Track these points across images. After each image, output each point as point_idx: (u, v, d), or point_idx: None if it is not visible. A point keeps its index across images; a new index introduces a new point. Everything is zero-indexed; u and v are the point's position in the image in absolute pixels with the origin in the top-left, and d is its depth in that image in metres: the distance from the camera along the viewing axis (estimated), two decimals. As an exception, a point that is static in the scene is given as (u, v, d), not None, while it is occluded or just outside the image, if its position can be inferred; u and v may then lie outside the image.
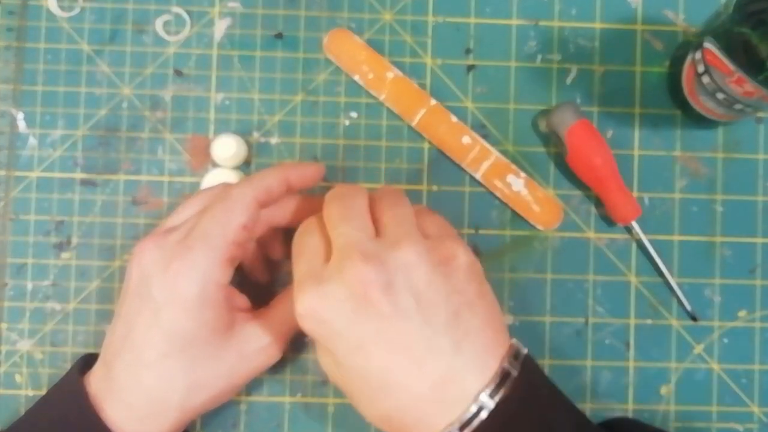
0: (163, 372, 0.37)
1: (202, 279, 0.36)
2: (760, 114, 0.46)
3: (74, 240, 0.44)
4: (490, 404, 0.33)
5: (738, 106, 0.41)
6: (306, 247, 0.37)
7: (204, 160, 0.45)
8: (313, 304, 0.34)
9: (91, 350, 0.43)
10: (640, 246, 0.45)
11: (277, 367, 0.44)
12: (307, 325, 0.35)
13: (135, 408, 0.37)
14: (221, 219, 0.37)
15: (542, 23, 0.46)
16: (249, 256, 0.42)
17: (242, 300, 0.41)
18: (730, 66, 0.39)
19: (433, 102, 0.45)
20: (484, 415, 0.33)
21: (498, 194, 0.45)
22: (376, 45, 0.45)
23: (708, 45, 0.40)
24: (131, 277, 0.38)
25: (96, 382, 0.38)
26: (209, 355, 0.37)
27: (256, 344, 0.39)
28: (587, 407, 0.44)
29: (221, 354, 0.38)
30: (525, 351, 0.36)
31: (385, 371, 0.34)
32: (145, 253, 0.37)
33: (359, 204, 0.37)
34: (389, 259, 0.34)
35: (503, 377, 0.34)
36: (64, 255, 0.44)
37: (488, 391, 0.33)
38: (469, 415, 0.33)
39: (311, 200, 0.41)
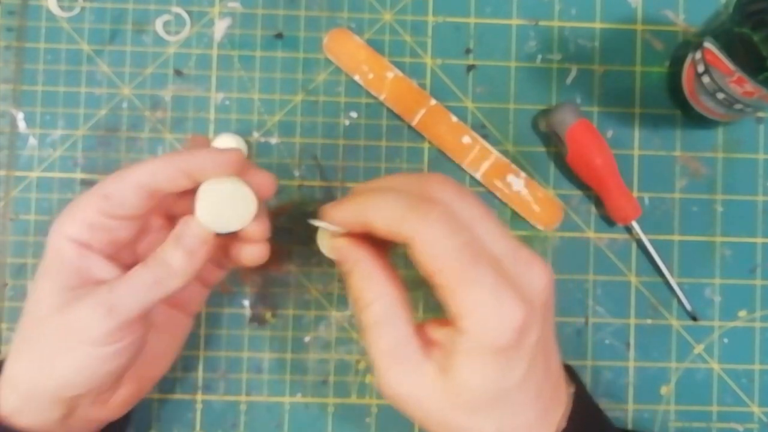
0: None
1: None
2: (760, 114, 0.46)
3: (74, 240, 0.44)
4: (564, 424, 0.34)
5: (738, 106, 0.41)
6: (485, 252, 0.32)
7: (204, 160, 0.45)
8: (523, 315, 0.31)
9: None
10: (640, 246, 0.45)
11: (277, 367, 0.44)
12: (510, 337, 0.31)
13: None
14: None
15: (542, 23, 0.46)
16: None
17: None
18: (730, 66, 0.39)
19: (433, 102, 0.45)
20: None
21: (498, 194, 0.45)
22: (376, 45, 0.45)
23: (708, 45, 0.40)
24: None
25: None
26: None
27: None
28: (587, 407, 0.44)
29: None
30: None
31: (544, 376, 0.34)
32: None
33: None
34: None
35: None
36: (64, 255, 0.44)
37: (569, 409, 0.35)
38: (561, 429, 0.34)
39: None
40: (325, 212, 0.35)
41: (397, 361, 0.33)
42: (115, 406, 0.37)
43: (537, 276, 0.33)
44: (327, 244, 0.37)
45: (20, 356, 0.35)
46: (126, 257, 0.36)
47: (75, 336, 0.33)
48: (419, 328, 0.33)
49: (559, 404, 0.35)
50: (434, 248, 0.30)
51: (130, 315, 0.33)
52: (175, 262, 0.34)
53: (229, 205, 0.35)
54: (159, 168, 0.34)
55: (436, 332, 0.33)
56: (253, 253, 0.37)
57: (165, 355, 0.39)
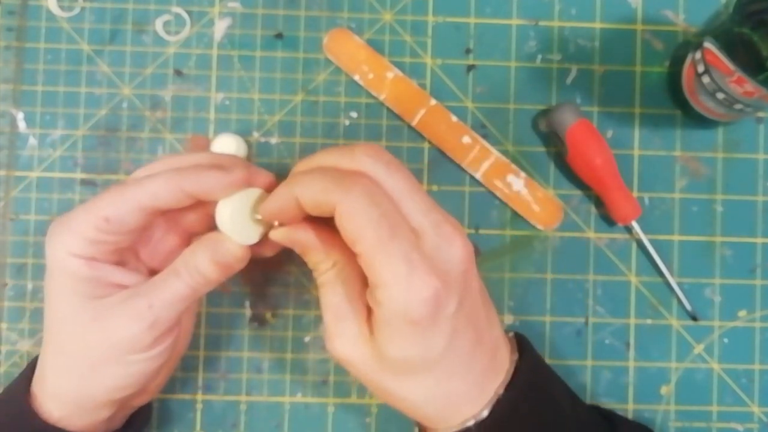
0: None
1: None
2: (760, 114, 0.46)
3: (74, 240, 0.44)
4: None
5: (738, 106, 0.41)
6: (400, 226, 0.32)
7: (204, 160, 0.45)
8: (434, 288, 0.32)
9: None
10: (640, 246, 0.45)
11: (277, 367, 0.44)
12: (421, 311, 0.32)
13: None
14: None
15: (542, 23, 0.46)
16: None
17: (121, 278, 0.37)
18: (730, 66, 0.39)
19: (433, 102, 0.45)
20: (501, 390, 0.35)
21: (498, 194, 0.45)
22: (376, 45, 0.45)
23: (708, 45, 0.40)
24: None
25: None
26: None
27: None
28: (587, 407, 0.44)
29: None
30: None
31: (474, 346, 0.34)
32: None
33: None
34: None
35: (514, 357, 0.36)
36: (64, 255, 0.44)
37: (511, 369, 0.35)
38: (498, 395, 0.34)
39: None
40: (261, 209, 0.35)
41: (340, 318, 0.34)
42: (152, 391, 0.39)
43: (456, 249, 0.33)
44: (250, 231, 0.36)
45: (61, 372, 0.36)
46: (130, 257, 0.37)
47: (120, 347, 0.35)
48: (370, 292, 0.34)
49: (497, 373, 0.35)
50: (354, 218, 0.31)
51: (171, 323, 0.35)
52: (211, 274, 0.35)
53: (251, 215, 0.36)
54: (160, 189, 0.34)
55: (368, 297, 0.33)
56: (275, 245, 0.38)
57: (187, 332, 0.40)
